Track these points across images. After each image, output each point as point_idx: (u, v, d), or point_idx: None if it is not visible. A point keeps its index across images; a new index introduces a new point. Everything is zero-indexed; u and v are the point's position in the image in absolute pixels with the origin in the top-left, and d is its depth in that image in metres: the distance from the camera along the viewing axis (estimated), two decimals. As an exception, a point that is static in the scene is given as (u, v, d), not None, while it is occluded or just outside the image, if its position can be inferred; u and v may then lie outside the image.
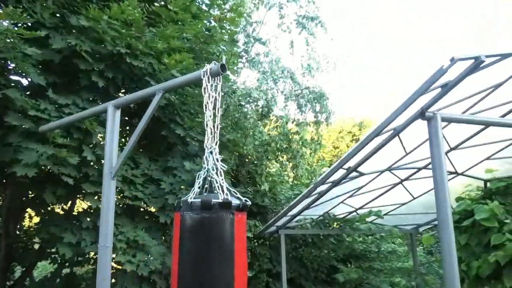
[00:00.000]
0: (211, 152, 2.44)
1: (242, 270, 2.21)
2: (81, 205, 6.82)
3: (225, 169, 2.40)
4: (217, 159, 2.40)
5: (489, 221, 5.63)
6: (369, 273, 8.41)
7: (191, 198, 2.22)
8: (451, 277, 3.73)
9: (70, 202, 6.40)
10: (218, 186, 2.31)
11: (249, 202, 2.33)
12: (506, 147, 5.54)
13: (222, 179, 2.33)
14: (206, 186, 2.49)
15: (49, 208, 6.57)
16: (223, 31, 6.39)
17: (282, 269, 7.07)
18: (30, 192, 6.57)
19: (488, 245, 5.68)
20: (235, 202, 2.22)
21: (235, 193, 2.35)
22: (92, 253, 6.70)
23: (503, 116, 5.08)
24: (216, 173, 2.36)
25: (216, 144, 2.46)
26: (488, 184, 6.41)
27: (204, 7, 6.56)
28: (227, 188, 2.31)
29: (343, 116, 25.01)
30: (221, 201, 2.18)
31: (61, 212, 6.56)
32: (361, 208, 7.36)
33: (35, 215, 7.07)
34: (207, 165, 2.40)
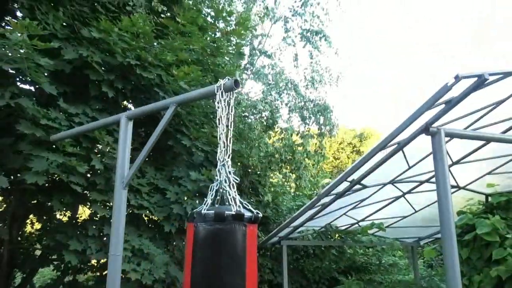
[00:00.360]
0: (223, 165, 2.50)
1: (253, 282, 2.27)
2: (84, 212, 6.88)
3: (237, 181, 2.47)
4: (229, 172, 2.47)
5: (491, 236, 5.68)
6: (369, 285, 8.42)
7: (204, 210, 2.28)
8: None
9: (73, 210, 6.45)
10: (231, 198, 2.38)
11: (261, 214, 2.39)
12: (507, 162, 5.60)
13: (234, 191, 2.40)
14: (218, 198, 2.56)
15: (52, 215, 6.63)
16: (229, 43, 6.51)
17: (283, 280, 7.09)
18: (35, 199, 6.62)
19: (490, 259, 5.72)
20: (247, 214, 2.29)
21: (247, 205, 2.42)
22: (94, 261, 6.75)
23: (504, 132, 5.16)
24: (229, 186, 2.43)
25: (228, 157, 2.52)
26: (490, 199, 6.47)
27: (209, 19, 6.68)
28: (239, 200, 2.37)
29: (344, 127, 25.14)
30: (234, 213, 2.24)
31: (64, 219, 6.60)
32: (363, 220, 7.40)
33: (37, 222, 7.11)
34: (220, 177, 2.47)
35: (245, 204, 2.41)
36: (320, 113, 7.59)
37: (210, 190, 2.46)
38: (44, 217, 6.76)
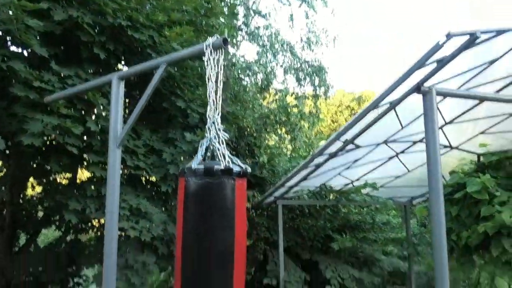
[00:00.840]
0: (213, 122, 2.56)
1: (242, 232, 2.37)
2: (83, 174, 6.99)
3: (227, 138, 2.53)
4: (219, 129, 2.53)
5: (480, 194, 5.81)
6: (363, 242, 8.70)
7: (194, 165, 2.36)
8: (439, 246, 3.92)
9: (72, 173, 6.57)
10: (220, 154, 2.45)
11: (249, 169, 2.48)
12: (500, 122, 5.65)
13: (224, 147, 2.47)
14: (208, 155, 2.62)
15: (51, 178, 6.76)
16: (223, 3, 6.42)
17: (279, 238, 7.32)
18: (34, 162, 6.73)
19: (478, 216, 5.88)
20: (236, 168, 2.36)
21: (236, 160, 2.49)
22: (95, 221, 6.94)
23: (498, 91, 5.19)
24: (218, 142, 2.49)
25: (218, 115, 2.57)
26: (481, 158, 6.58)
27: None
28: (228, 156, 2.45)
29: (342, 91, 25.04)
30: (223, 167, 2.32)
31: (64, 182, 6.73)
32: (357, 180, 7.54)
33: (37, 185, 7.25)
34: (210, 134, 2.53)
35: (235, 159, 2.48)
36: (315, 74, 7.57)
37: (200, 147, 2.53)
38: (44, 180, 6.89)
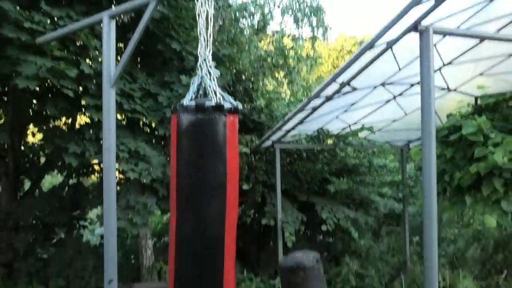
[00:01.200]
0: (204, 60, 2.56)
1: (234, 168, 2.45)
2: (82, 120, 7.04)
3: (218, 75, 2.54)
4: (210, 66, 2.53)
5: (475, 136, 5.87)
6: (359, 185, 8.90)
7: (186, 102, 2.39)
8: (429, 185, 4.01)
9: (71, 118, 6.62)
10: (211, 91, 2.47)
11: (241, 106, 2.51)
12: (500, 62, 5.59)
13: (215, 84, 2.49)
14: (201, 93, 2.64)
15: (51, 125, 6.82)
16: None
17: (276, 181, 7.48)
18: (32, 108, 6.76)
19: (472, 158, 5.98)
20: (227, 105, 2.39)
21: (228, 97, 2.51)
22: (97, 166, 7.10)
23: (499, 30, 5.08)
24: (210, 79, 2.51)
25: (209, 52, 2.57)
26: (479, 101, 6.57)
27: None
28: (220, 92, 2.47)
29: (343, 35, 24.45)
30: (214, 104, 2.35)
31: (64, 127, 6.81)
32: (354, 124, 7.58)
33: (38, 131, 7.34)
34: (201, 72, 2.53)
35: (226, 96, 2.51)
36: (313, 15, 7.36)
37: (192, 84, 2.55)
38: (44, 127, 6.97)
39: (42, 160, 7.63)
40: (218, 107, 2.35)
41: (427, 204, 3.98)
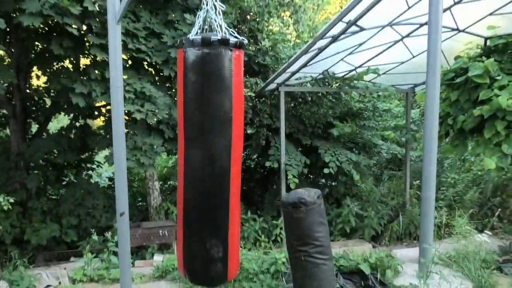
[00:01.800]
0: (210, -7, 2.52)
1: (240, 100, 2.50)
2: (85, 61, 7.00)
3: (223, 8, 2.52)
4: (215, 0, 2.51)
5: (481, 78, 5.83)
6: (363, 129, 8.96)
7: (192, 36, 2.40)
8: (430, 125, 4.08)
9: (74, 59, 6.58)
10: (217, 25, 2.47)
11: (246, 41, 2.51)
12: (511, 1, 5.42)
13: (221, 19, 2.48)
14: (206, 27, 2.64)
15: (55, 67, 6.81)
16: None
17: (281, 124, 7.54)
18: (36, 49, 6.72)
19: (476, 101, 5.98)
20: (232, 39, 2.40)
21: (233, 32, 2.51)
22: (103, 108, 7.16)
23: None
24: (215, 13, 2.49)
25: (214, -15, 2.53)
26: (488, 42, 6.45)
27: None
28: (225, 27, 2.47)
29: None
30: (220, 37, 2.36)
31: (69, 66, 6.78)
32: (360, 66, 7.50)
33: (42, 74, 7.34)
34: (206, 5, 2.51)
35: (231, 31, 2.51)
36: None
37: (198, 18, 2.54)
38: (48, 69, 6.96)
39: (48, 102, 7.69)
40: (224, 41, 2.36)
41: (428, 142, 4.07)
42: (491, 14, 5.76)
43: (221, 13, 2.50)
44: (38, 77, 7.73)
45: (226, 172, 2.50)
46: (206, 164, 2.46)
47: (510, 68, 6.13)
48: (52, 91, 7.20)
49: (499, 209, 6.66)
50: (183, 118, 2.48)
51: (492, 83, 5.85)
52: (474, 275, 3.93)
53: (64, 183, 8.07)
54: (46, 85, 7.24)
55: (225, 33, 2.45)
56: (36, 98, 7.57)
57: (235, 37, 2.46)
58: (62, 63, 6.69)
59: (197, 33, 2.51)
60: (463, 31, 6.31)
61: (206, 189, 2.50)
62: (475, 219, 7.61)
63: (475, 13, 5.79)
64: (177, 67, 2.51)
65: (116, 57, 3.17)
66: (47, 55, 6.39)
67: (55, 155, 7.47)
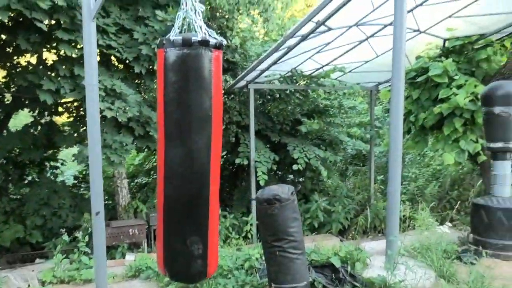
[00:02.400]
0: (188, -6, 2.56)
1: (218, 100, 2.56)
2: (49, 57, 6.79)
3: (202, 10, 2.56)
4: (195, 0, 2.54)
5: (441, 77, 6.15)
6: (329, 126, 9.19)
7: (172, 36, 2.42)
8: (396, 122, 4.27)
9: (37, 54, 6.37)
10: (197, 26, 2.50)
11: (225, 41, 2.57)
12: (469, 5, 5.72)
13: (200, 19, 2.52)
14: (185, 27, 2.67)
15: (15, 61, 6.57)
16: None
17: (250, 121, 7.62)
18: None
19: (436, 99, 6.30)
20: (212, 40, 2.45)
21: (212, 33, 2.56)
22: (70, 104, 6.99)
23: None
24: (195, 14, 2.53)
25: (193, -14, 2.56)
26: (447, 43, 6.79)
27: None
28: (205, 28, 2.51)
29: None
30: (200, 38, 2.40)
31: (33, 60, 6.56)
32: (327, 64, 7.69)
33: (1, 68, 7.05)
34: (186, 6, 2.55)
35: (210, 32, 2.55)
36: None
37: (177, 19, 2.56)
38: (8, 64, 6.70)
39: (9, 98, 7.39)
40: (204, 42, 2.41)
41: (393, 139, 4.27)
42: (450, 16, 6.06)
43: (200, 14, 2.55)
44: (-5, 72, 7.42)
45: (206, 169, 2.55)
46: (187, 162, 2.50)
47: (466, 68, 6.50)
48: (12, 86, 6.95)
49: (458, 202, 7.02)
50: (163, 117, 2.50)
51: (451, 82, 6.19)
52: (436, 265, 4.16)
53: (26, 182, 7.82)
54: (6, 80, 6.98)
55: (205, 33, 2.50)
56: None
57: (215, 38, 2.51)
58: (23, 58, 6.46)
59: (176, 33, 2.53)
60: (424, 32, 6.61)
61: (186, 186, 2.54)
62: (435, 212, 8.00)
63: (435, 15, 6.08)
64: (157, 66, 2.53)
65: (91, 54, 3.14)
66: (8, 49, 6.17)
67: (17, 153, 7.22)
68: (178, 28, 2.56)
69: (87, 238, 4.96)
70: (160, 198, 2.62)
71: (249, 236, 7.29)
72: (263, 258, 4.20)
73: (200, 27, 2.50)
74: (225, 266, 4.24)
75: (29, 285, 4.39)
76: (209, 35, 2.53)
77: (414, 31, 6.48)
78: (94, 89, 3.15)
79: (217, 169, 2.66)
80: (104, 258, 3.52)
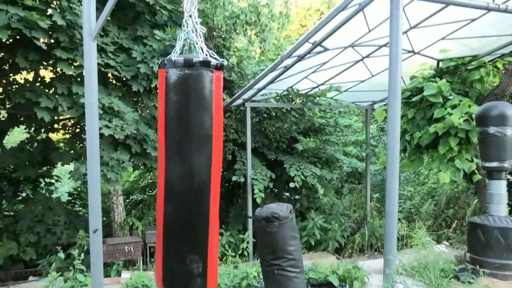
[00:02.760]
0: (190, 16, 2.61)
1: (219, 119, 2.59)
2: (45, 73, 6.81)
3: (204, 31, 2.62)
4: (196, 22, 2.60)
5: (435, 97, 6.26)
6: (325, 144, 9.25)
7: (174, 57, 2.47)
8: (392, 142, 4.31)
9: (33, 72, 6.40)
10: (198, 47, 2.55)
11: (226, 62, 2.62)
12: (462, 27, 5.86)
13: (202, 41, 2.57)
14: (186, 48, 2.72)
15: (11, 78, 6.59)
16: None
17: (247, 139, 7.66)
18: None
19: (431, 118, 6.39)
20: (213, 61, 2.50)
21: (213, 54, 2.61)
22: (68, 121, 6.99)
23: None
24: (196, 35, 2.58)
25: (195, 8, 2.62)
26: (440, 64, 6.92)
27: None
28: (206, 49, 2.56)
29: (312, -6, 24.19)
30: (201, 59, 2.45)
31: (30, 77, 6.57)
32: (323, 84, 7.79)
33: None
34: (187, 27, 2.60)
35: (211, 53, 2.60)
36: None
37: (178, 40, 2.61)
38: (4, 81, 6.72)
39: (4, 114, 7.38)
40: (205, 63, 2.45)
41: (391, 157, 4.29)
42: (443, 38, 6.20)
43: (201, 35, 2.60)
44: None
45: (206, 187, 2.57)
46: (187, 180, 2.52)
47: (460, 89, 6.63)
48: (7, 103, 6.95)
49: (456, 221, 7.06)
50: (164, 136, 2.53)
51: (445, 102, 6.29)
52: (434, 284, 4.16)
53: (20, 198, 7.75)
54: (1, 96, 6.98)
55: (206, 55, 2.54)
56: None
57: (216, 59, 2.56)
58: (20, 75, 6.49)
59: (177, 53, 2.58)
60: (418, 53, 6.74)
61: (186, 204, 2.55)
62: (431, 230, 8.01)
63: (429, 37, 6.21)
64: (159, 86, 2.56)
65: (91, 74, 3.17)
66: (4, 66, 6.20)
67: (11, 169, 7.17)
68: (179, 49, 2.61)
69: (82, 255, 4.92)
70: (160, 216, 2.62)
71: (245, 253, 7.25)
72: (261, 276, 4.18)
73: (202, 48, 2.55)
74: (223, 284, 4.22)
75: (23, 305, 4.32)
76: (210, 56, 2.57)
77: (409, 51, 6.61)
78: (93, 107, 3.17)
79: (217, 188, 2.67)
80: (101, 276, 3.49)
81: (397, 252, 4.53)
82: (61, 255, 4.81)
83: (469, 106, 6.01)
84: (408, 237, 7.18)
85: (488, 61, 6.52)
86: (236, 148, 8.32)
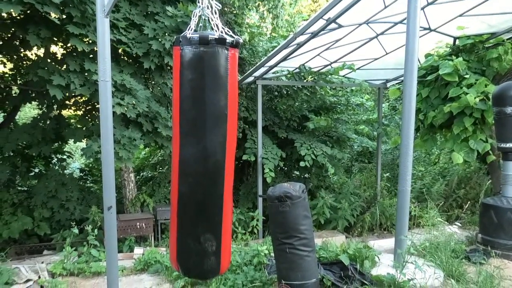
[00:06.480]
0: (205, -9, 2.55)
1: (234, 98, 2.56)
2: (57, 51, 6.80)
3: (219, 7, 2.56)
4: (211, -2, 2.53)
5: (451, 76, 6.12)
6: (337, 123, 9.18)
7: (189, 34, 2.42)
8: (408, 121, 4.25)
9: (43, 48, 6.36)
10: (213, 24, 2.50)
11: (241, 40, 2.56)
12: (480, 4, 5.68)
13: (217, 17, 2.51)
14: (201, 25, 2.66)
15: (21, 54, 6.57)
16: None
17: (258, 117, 7.62)
18: (4, 36, 6.46)
19: (446, 97, 6.27)
20: (229, 38, 2.45)
21: (229, 31, 2.55)
22: (79, 98, 6.99)
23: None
24: (211, 12, 2.53)
25: (210, -17, 2.55)
26: (457, 41, 6.74)
27: None
28: (221, 26, 2.51)
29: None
30: (217, 37, 2.40)
31: (35, 57, 6.54)
32: (336, 61, 7.66)
33: (8, 61, 7.06)
34: (202, 3, 2.54)
35: (227, 30, 2.55)
36: None
37: (193, 16, 2.56)
38: (15, 56, 6.70)
39: (16, 90, 7.40)
40: (221, 40, 2.41)
41: (405, 137, 4.25)
42: (460, 15, 6.02)
43: (217, 12, 2.54)
44: (4, 64, 7.42)
45: (220, 167, 2.56)
46: (202, 160, 2.51)
47: (477, 67, 6.47)
48: (19, 79, 6.94)
49: (468, 202, 7.01)
50: (179, 114, 2.51)
51: (461, 81, 6.15)
52: (445, 265, 4.17)
53: (32, 174, 7.85)
54: (13, 72, 6.97)
55: (222, 32, 2.49)
56: (2, 86, 7.25)
57: (231, 36, 2.51)
58: (29, 52, 6.45)
59: (192, 30, 2.53)
60: (434, 30, 6.56)
61: (201, 184, 2.55)
62: (442, 210, 7.99)
63: (446, 13, 6.04)
64: (173, 64, 2.53)
65: (105, 50, 3.14)
66: (15, 42, 6.17)
67: (24, 145, 7.23)
68: (194, 26, 2.56)
69: (96, 231, 5.00)
70: (175, 194, 2.63)
71: (255, 231, 7.32)
72: (272, 254, 4.22)
73: (217, 25, 2.50)
74: (234, 261, 4.27)
75: (39, 277, 4.43)
76: (226, 33, 2.52)
77: (425, 29, 6.44)
78: (107, 85, 3.15)
79: (232, 167, 2.67)
80: (115, 252, 3.55)
81: (408, 232, 4.54)
82: (75, 230, 4.89)
83: (486, 86, 5.87)
84: (419, 217, 7.17)
85: (507, 39, 6.33)
86: (247, 126, 8.29)
